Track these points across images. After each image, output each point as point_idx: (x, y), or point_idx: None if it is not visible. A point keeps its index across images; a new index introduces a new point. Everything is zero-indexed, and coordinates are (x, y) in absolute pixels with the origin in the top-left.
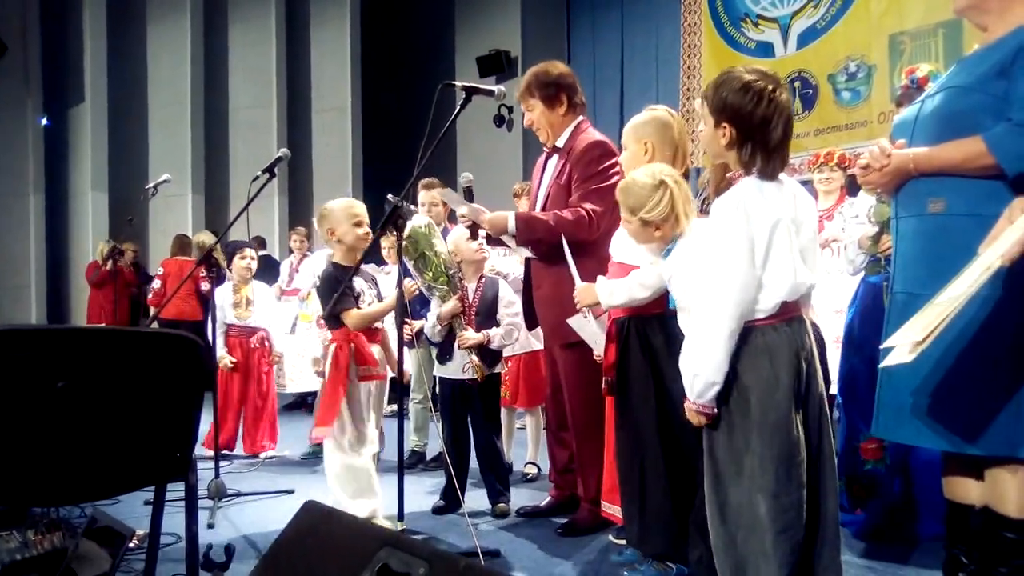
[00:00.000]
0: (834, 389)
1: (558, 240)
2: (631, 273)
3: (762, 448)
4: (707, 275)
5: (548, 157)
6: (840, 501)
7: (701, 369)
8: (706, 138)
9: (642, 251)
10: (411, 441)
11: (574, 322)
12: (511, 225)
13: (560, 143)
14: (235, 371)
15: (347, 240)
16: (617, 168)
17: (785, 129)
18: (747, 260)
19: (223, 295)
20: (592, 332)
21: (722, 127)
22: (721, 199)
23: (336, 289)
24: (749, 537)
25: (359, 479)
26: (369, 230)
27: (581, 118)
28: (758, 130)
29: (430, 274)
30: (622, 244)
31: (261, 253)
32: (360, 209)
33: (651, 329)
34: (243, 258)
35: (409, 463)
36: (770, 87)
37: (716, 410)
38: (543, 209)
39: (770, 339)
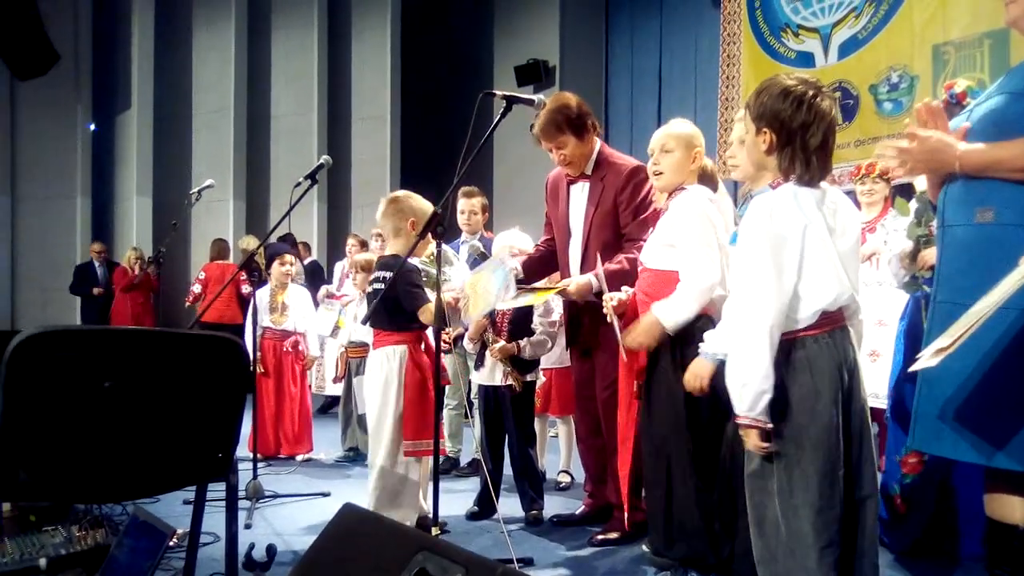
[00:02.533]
0: (874, 402)
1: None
2: (679, 286)
3: (805, 463)
4: (740, 281)
5: (571, 183)
6: (880, 515)
7: (749, 378)
8: (748, 146)
9: (676, 256)
10: (445, 447)
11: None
12: (595, 285)
13: (588, 170)
14: (266, 375)
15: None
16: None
17: (825, 135)
18: (776, 264)
19: (262, 298)
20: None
21: (762, 132)
22: (754, 201)
23: (418, 283)
24: (792, 552)
25: (409, 490)
26: None
27: (598, 140)
28: (797, 135)
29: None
30: (655, 250)
31: (310, 259)
32: None
33: (682, 332)
34: (283, 264)
35: (443, 469)
36: (810, 93)
37: (770, 424)
38: (587, 236)
39: (811, 351)
